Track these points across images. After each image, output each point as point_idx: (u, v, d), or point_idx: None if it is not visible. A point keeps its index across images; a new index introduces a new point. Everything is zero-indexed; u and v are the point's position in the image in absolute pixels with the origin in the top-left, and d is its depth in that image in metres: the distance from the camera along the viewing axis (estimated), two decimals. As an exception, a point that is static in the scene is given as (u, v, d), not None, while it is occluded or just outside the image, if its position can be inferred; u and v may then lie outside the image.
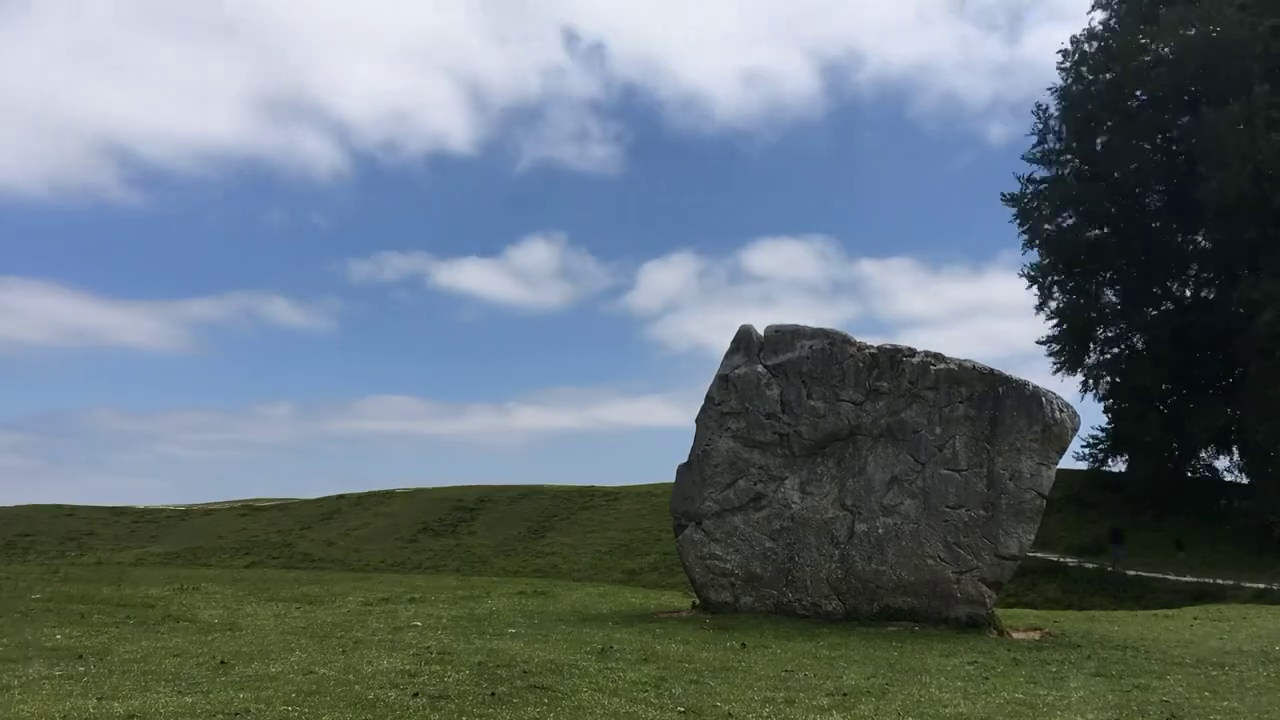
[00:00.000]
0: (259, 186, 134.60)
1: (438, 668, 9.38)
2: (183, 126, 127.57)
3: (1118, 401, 43.53)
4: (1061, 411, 14.12)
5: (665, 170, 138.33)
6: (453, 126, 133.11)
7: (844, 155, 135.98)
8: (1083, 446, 43.77)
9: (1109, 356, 44.60)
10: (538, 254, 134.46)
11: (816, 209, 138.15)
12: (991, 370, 14.44)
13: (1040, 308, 44.56)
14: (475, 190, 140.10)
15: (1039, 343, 45.02)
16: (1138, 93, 42.32)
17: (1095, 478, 43.61)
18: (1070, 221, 44.17)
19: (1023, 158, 45.05)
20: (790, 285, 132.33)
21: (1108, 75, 42.10)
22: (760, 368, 15.30)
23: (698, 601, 15.47)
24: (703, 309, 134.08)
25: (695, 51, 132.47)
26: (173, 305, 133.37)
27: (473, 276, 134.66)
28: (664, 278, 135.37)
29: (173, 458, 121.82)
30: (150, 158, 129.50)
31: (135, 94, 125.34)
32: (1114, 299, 44.86)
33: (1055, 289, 44.73)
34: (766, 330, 15.63)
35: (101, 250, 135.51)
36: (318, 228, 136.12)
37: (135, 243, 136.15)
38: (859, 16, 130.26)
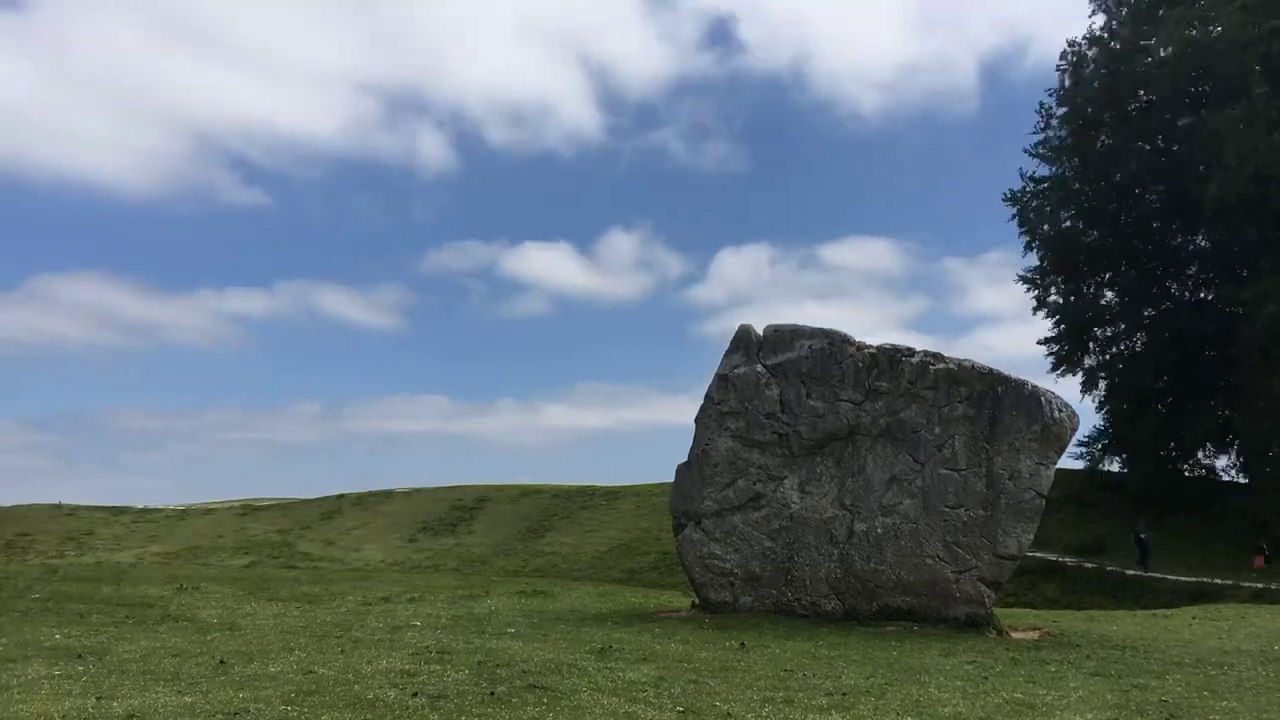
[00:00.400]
0: (365, 177, 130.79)
1: (437, 667, 9.39)
2: (283, 113, 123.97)
3: (1116, 402, 43.59)
4: (1060, 411, 14.12)
5: (780, 166, 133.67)
6: (575, 117, 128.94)
7: (978, 151, 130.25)
8: (1081, 446, 43.89)
9: (1108, 357, 44.66)
10: (618, 246, 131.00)
11: (920, 206, 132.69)
12: (990, 370, 14.45)
13: (1038, 309, 44.64)
14: (583, 181, 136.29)
15: (1039, 343, 45.13)
16: (1138, 93, 42.34)
17: (1094, 477, 43.67)
18: (1069, 222, 44.23)
19: (1024, 150, 45.08)
20: (865, 280, 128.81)
21: (1108, 75, 42.12)
22: (760, 367, 15.30)
23: (697, 601, 15.47)
24: (768, 303, 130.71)
25: (838, 43, 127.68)
26: (228, 299, 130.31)
27: (546, 267, 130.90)
28: (734, 272, 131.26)
29: (192, 457, 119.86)
30: (246, 147, 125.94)
31: (236, 78, 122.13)
32: (1113, 299, 44.91)
33: (1053, 290, 44.79)
34: (766, 330, 15.63)
35: (179, 244, 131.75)
36: (413, 220, 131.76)
37: (219, 236, 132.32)
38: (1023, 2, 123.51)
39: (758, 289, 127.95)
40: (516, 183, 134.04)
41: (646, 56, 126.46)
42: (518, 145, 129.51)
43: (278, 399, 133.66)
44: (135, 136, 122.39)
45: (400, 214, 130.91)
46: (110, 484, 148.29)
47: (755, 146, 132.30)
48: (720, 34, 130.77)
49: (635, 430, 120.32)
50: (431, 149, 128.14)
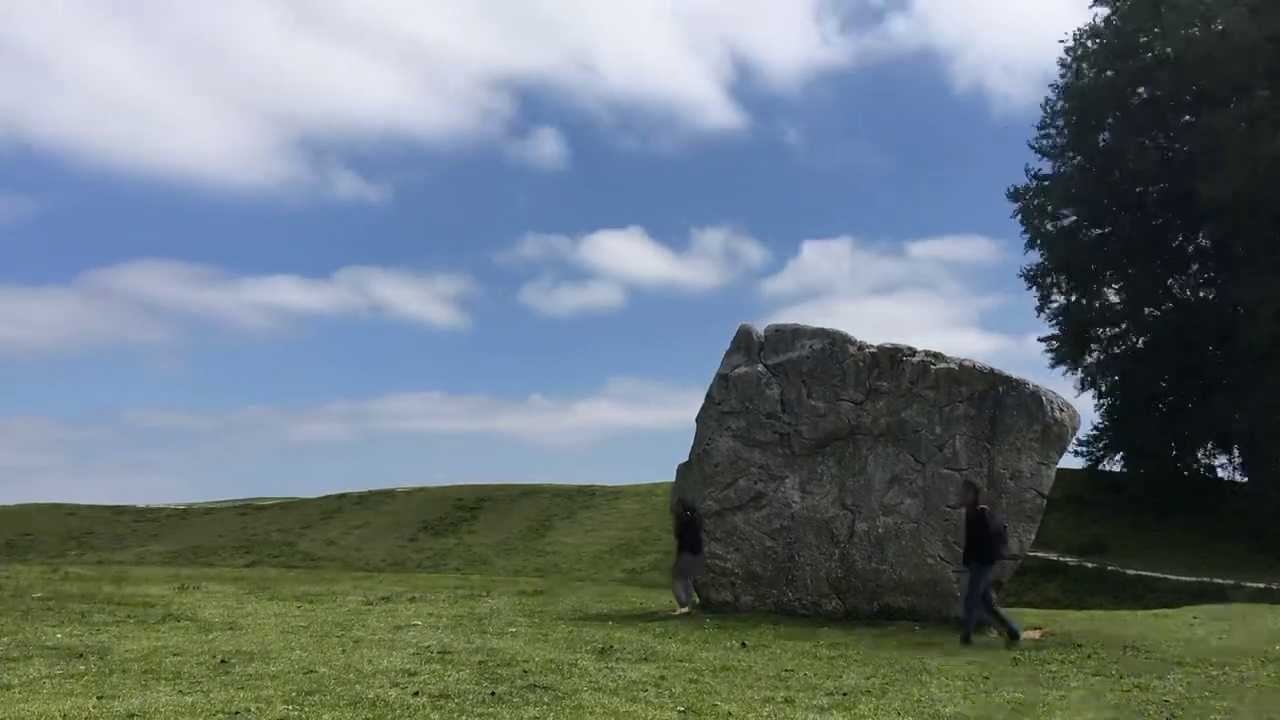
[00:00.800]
0: (475, 170, 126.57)
1: (438, 667, 9.39)
2: (401, 102, 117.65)
3: (1118, 401, 43.54)
4: (1062, 411, 14.12)
5: (901, 161, 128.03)
6: (706, 114, 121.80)
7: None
8: (1082, 446, 43.80)
9: (1109, 355, 44.60)
10: (704, 238, 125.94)
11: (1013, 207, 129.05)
12: (991, 369, 14.45)
13: (1040, 309, 44.59)
14: (692, 172, 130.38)
15: (1040, 340, 45.12)
16: (1139, 90, 42.25)
17: (1095, 477, 43.62)
18: (1071, 219, 44.17)
19: (1028, 144, 44.98)
20: (947, 274, 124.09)
21: (1109, 72, 42.02)
22: (760, 367, 15.30)
23: (698, 601, 15.49)
24: (833, 296, 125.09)
25: (1000, 33, 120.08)
26: (286, 292, 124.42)
27: (620, 258, 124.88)
28: (811, 265, 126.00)
29: (212, 457, 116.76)
30: (356, 139, 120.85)
31: (356, 66, 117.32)
32: (1114, 298, 44.84)
33: (1055, 288, 44.73)
34: (767, 329, 15.64)
35: (252, 237, 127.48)
36: (511, 212, 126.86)
37: (303, 230, 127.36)
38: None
39: (828, 282, 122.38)
40: (626, 175, 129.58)
41: (791, 48, 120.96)
42: (636, 140, 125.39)
43: (312, 397, 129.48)
44: (240, 127, 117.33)
45: (498, 206, 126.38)
46: (127, 484, 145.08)
47: (882, 141, 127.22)
48: (872, 24, 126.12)
49: (674, 428, 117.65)
50: (551, 142, 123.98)
